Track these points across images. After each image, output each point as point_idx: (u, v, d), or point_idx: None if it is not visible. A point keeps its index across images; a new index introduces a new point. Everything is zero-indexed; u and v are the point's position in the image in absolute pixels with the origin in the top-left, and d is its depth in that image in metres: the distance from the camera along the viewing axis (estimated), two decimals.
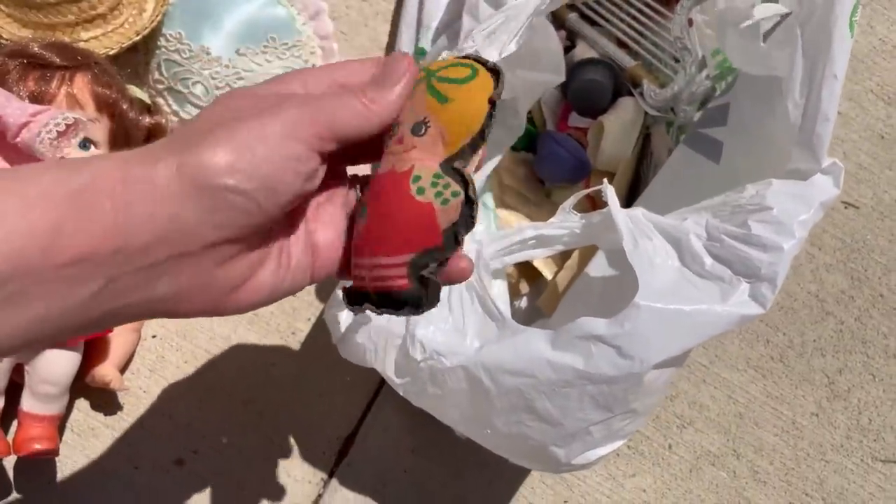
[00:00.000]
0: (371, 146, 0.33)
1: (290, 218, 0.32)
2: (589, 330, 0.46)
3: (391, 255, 0.31)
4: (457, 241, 0.30)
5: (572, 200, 0.59)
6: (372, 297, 0.32)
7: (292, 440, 0.71)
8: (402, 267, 0.30)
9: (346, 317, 0.56)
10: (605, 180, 0.58)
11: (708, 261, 0.49)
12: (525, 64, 0.61)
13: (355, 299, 0.33)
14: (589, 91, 0.72)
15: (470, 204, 0.30)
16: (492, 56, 0.54)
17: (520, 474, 0.71)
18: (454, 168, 0.30)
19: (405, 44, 0.78)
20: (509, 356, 0.48)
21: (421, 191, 0.30)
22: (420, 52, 0.78)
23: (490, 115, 0.30)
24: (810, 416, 0.75)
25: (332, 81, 0.32)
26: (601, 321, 0.45)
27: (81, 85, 0.60)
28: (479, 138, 0.30)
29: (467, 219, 0.30)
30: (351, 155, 0.34)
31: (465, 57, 0.33)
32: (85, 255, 0.27)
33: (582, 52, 0.74)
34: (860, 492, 0.74)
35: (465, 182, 0.30)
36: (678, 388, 0.75)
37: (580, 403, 0.45)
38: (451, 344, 0.51)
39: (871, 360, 0.77)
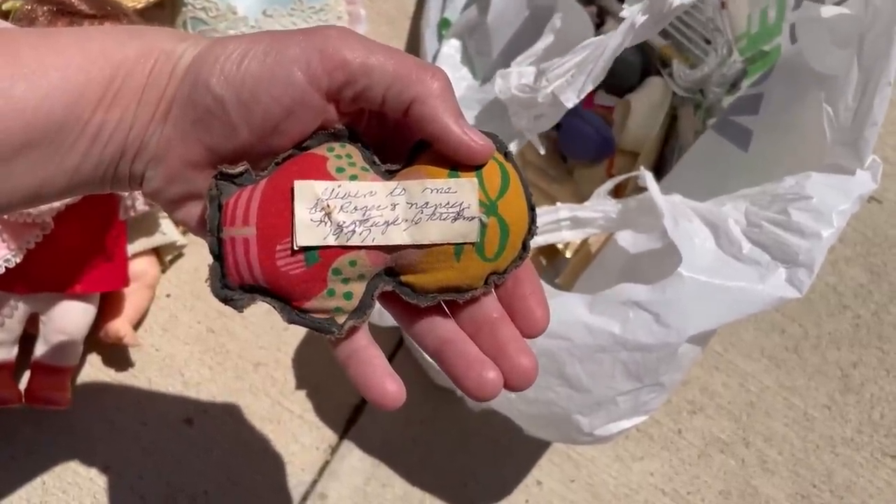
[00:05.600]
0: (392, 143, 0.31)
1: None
2: (629, 295, 0.45)
3: None
4: None
5: (609, 185, 0.59)
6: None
7: (302, 406, 0.70)
8: None
9: None
10: (643, 167, 0.58)
11: (746, 245, 0.49)
12: (558, 54, 0.60)
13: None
14: (617, 69, 0.71)
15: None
16: (570, 100, 0.52)
17: (528, 451, 0.71)
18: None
19: (432, 12, 0.77)
20: None
21: None
22: (444, 23, 0.78)
23: None
24: (822, 409, 0.75)
25: None
26: (642, 287, 0.45)
27: None
28: None
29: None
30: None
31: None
32: (122, 115, 0.29)
33: (611, 28, 0.73)
34: (868, 486, 0.73)
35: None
36: (690, 373, 0.75)
37: (612, 370, 0.45)
38: None
39: (887, 356, 0.77)
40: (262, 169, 0.30)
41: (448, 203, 0.28)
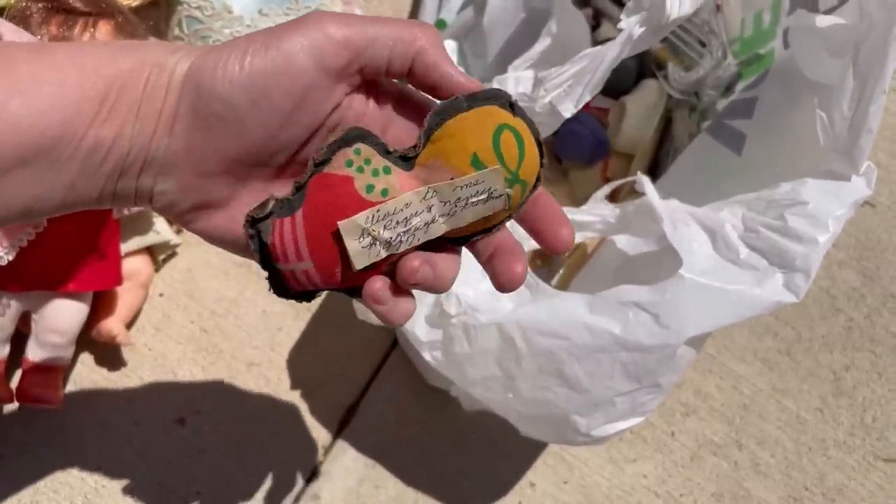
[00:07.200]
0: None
1: (272, 171, 0.31)
2: (629, 296, 0.46)
3: None
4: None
5: (606, 190, 0.59)
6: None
7: (295, 406, 0.70)
8: None
9: None
10: (640, 172, 0.58)
11: (743, 251, 0.49)
12: (554, 60, 0.60)
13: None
14: (612, 71, 0.71)
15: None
16: (567, 110, 0.52)
17: (522, 452, 0.71)
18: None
19: (428, 14, 0.77)
20: (546, 317, 0.48)
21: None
22: (440, 25, 0.78)
23: None
24: (814, 412, 0.75)
25: None
26: (642, 288, 0.46)
27: (104, 33, 0.60)
28: None
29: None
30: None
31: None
32: (119, 131, 0.28)
33: (607, 31, 0.74)
34: (860, 489, 0.73)
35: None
36: (684, 376, 0.75)
37: (611, 371, 0.46)
38: (486, 302, 0.51)
39: (879, 359, 0.77)
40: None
41: (478, 192, 0.30)
